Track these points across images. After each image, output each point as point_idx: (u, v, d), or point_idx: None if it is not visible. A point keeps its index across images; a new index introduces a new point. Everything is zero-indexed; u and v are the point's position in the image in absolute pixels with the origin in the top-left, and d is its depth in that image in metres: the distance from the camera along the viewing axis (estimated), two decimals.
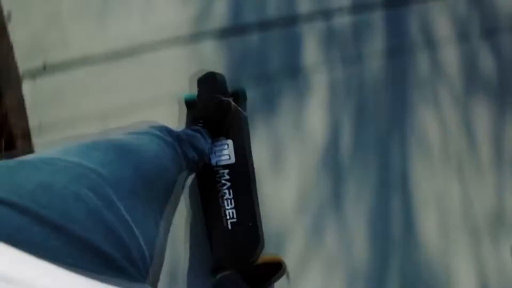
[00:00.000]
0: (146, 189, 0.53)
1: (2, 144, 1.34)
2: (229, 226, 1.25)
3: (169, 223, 0.63)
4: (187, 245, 1.33)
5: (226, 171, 1.28)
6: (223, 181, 1.27)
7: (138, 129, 0.67)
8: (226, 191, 1.27)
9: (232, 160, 1.28)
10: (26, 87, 1.40)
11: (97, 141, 0.54)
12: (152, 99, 1.40)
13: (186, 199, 1.36)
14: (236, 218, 1.25)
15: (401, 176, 1.39)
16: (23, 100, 1.39)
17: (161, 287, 0.55)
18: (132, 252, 0.44)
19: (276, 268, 1.23)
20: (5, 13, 1.42)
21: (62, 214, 0.38)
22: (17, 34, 1.42)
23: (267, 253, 1.28)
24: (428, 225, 1.36)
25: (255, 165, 1.29)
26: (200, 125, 1.20)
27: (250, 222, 1.25)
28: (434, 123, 1.42)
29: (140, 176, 0.53)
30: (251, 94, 1.37)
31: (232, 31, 1.45)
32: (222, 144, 1.29)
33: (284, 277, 1.26)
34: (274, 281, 1.25)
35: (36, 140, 1.36)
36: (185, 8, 1.45)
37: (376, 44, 1.45)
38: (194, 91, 1.30)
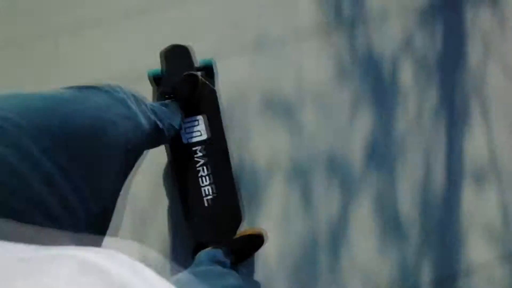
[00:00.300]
0: (83, 142, 0.50)
1: None
2: (209, 203, 1.23)
3: (121, 183, 0.59)
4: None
5: (199, 147, 1.24)
6: (196, 158, 1.24)
7: (82, 84, 0.62)
8: (201, 168, 1.24)
9: (205, 136, 1.25)
10: None
11: (24, 92, 0.50)
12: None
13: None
14: (215, 193, 1.23)
15: None
16: None
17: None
18: (52, 204, 0.42)
19: (258, 241, 1.23)
20: None
21: None
22: None
23: (247, 227, 1.27)
24: None
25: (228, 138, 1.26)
26: (168, 100, 1.14)
27: (228, 196, 1.23)
28: None
29: (79, 125, 0.50)
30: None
31: None
32: (192, 121, 1.25)
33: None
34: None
35: None
36: None
37: None
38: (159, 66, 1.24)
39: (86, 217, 0.46)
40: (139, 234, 1.29)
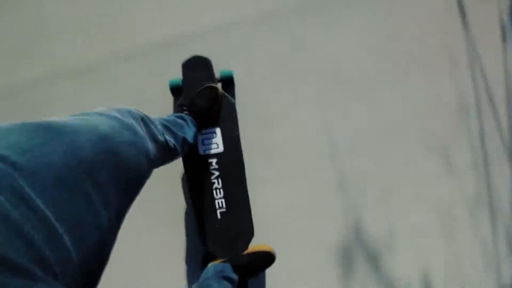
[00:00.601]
0: (85, 177, 0.48)
1: None
2: (219, 216, 1.23)
3: (122, 214, 0.57)
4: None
5: (215, 160, 1.24)
6: (211, 171, 1.24)
7: (90, 111, 0.60)
8: (215, 180, 1.24)
9: (221, 148, 1.24)
10: None
11: (24, 123, 0.48)
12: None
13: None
14: (226, 207, 1.23)
15: None
16: None
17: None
18: (45, 252, 0.40)
19: (268, 258, 1.21)
20: None
21: None
22: None
23: (257, 244, 1.26)
24: None
25: (244, 153, 1.25)
26: (185, 112, 1.15)
27: (241, 211, 1.23)
28: None
29: (75, 162, 0.47)
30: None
31: None
32: (210, 133, 1.25)
33: None
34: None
35: None
36: None
37: None
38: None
39: (79, 258, 0.44)
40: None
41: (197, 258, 1.29)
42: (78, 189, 0.47)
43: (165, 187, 1.34)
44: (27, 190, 0.41)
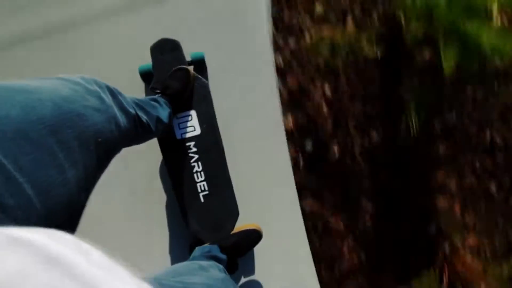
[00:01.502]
0: (48, 133, 0.48)
1: None
2: (202, 199, 1.21)
3: (92, 177, 0.57)
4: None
5: (193, 143, 1.22)
6: (190, 154, 1.22)
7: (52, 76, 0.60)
8: (195, 163, 1.22)
9: (198, 131, 1.23)
10: None
11: None
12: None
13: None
14: (208, 190, 1.21)
15: None
16: None
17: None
18: (4, 196, 0.40)
19: (255, 235, 1.20)
20: None
21: None
22: None
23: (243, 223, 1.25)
24: None
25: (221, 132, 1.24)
26: (158, 95, 1.13)
27: (224, 192, 1.21)
28: None
29: (35, 117, 0.47)
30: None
31: None
32: (185, 116, 1.23)
33: None
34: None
35: None
36: None
37: None
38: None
39: (45, 209, 0.45)
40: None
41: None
42: (40, 144, 0.47)
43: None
44: None
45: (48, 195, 0.45)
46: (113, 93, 0.70)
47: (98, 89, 0.65)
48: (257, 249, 1.25)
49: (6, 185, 0.41)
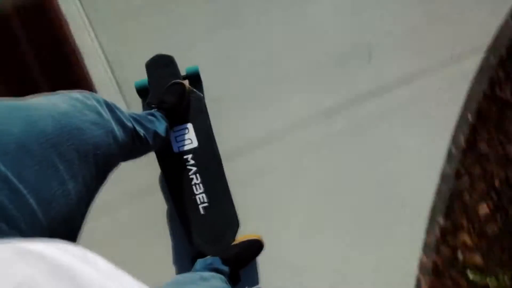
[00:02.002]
0: (46, 148, 0.49)
1: None
2: (202, 211, 1.21)
3: (92, 189, 0.58)
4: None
5: (190, 155, 1.23)
6: (188, 167, 1.23)
7: (51, 94, 0.62)
8: (193, 176, 1.22)
9: (195, 143, 1.24)
10: None
11: None
12: None
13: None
14: (208, 202, 1.21)
15: None
16: None
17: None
18: (8, 207, 0.41)
19: (256, 246, 1.20)
20: None
21: None
22: None
23: (244, 233, 1.25)
24: None
25: (218, 145, 1.25)
26: (155, 110, 1.14)
27: (223, 203, 1.22)
28: None
29: (36, 132, 0.49)
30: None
31: None
32: (182, 129, 1.24)
33: None
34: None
35: None
36: None
37: None
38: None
39: (47, 220, 0.45)
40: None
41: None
42: (42, 157, 0.48)
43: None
44: None
45: (50, 206, 0.46)
46: (111, 107, 0.71)
47: (96, 104, 0.66)
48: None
49: (11, 198, 0.42)
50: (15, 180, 0.43)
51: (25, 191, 0.43)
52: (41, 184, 0.46)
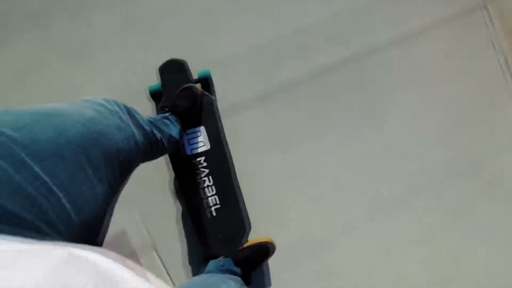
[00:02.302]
0: (76, 153, 0.51)
1: None
2: (214, 213, 1.22)
3: (116, 191, 0.60)
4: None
5: (203, 158, 1.25)
6: (201, 169, 1.24)
7: (77, 99, 0.64)
8: (206, 178, 1.24)
9: (207, 146, 1.25)
10: None
11: (17, 108, 0.52)
12: None
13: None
14: (219, 204, 1.23)
15: None
16: None
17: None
18: (48, 211, 0.44)
19: (267, 249, 1.20)
20: None
21: None
22: None
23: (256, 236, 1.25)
24: None
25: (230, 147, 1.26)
26: (168, 113, 1.16)
27: (233, 206, 1.23)
28: None
29: (66, 139, 0.51)
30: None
31: None
32: (194, 132, 1.26)
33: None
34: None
35: None
36: None
37: None
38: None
39: (79, 223, 0.48)
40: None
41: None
42: (73, 162, 0.51)
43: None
44: (26, 158, 0.45)
45: (82, 209, 0.49)
46: (131, 112, 0.74)
47: (118, 109, 0.69)
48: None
49: (49, 201, 0.45)
50: (52, 184, 0.45)
51: (60, 195, 0.46)
52: (73, 188, 0.48)
